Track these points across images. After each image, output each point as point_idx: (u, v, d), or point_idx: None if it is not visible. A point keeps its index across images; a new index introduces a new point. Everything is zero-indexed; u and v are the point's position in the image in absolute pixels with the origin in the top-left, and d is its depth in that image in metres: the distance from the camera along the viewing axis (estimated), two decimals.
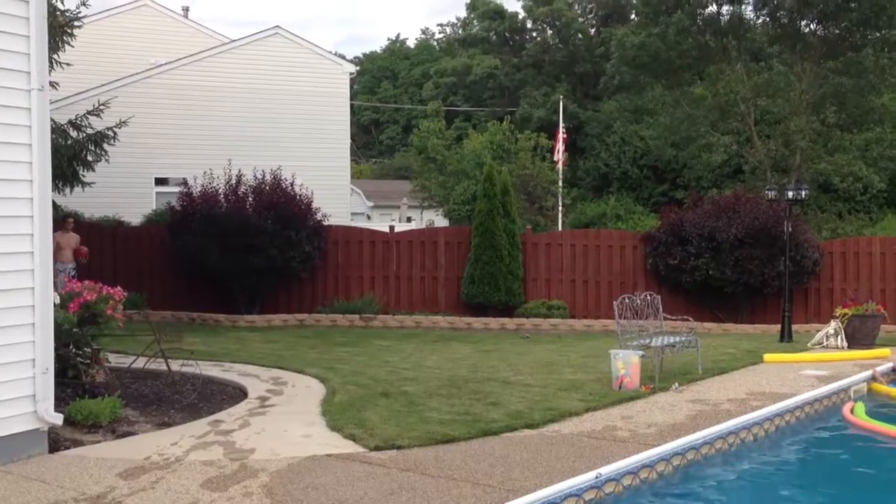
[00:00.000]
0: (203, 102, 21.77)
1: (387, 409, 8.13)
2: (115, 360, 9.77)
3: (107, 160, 16.78)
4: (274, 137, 21.90)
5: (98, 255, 17.30)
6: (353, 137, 29.79)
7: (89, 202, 18.30)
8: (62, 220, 15.18)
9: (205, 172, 16.88)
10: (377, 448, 6.74)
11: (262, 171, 17.03)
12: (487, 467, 6.24)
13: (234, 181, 16.77)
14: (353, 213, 27.63)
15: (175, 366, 9.51)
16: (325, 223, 17.39)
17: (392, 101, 69.14)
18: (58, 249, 14.52)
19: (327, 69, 23.64)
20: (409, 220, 39.93)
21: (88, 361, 8.39)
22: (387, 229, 18.65)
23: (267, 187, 16.75)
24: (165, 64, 22.19)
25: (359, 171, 53.28)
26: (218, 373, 10.11)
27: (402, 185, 44.64)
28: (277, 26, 23.54)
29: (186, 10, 28.37)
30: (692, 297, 16.82)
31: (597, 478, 5.77)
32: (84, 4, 16.18)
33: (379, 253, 17.82)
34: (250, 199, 16.57)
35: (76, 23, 16.10)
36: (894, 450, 7.71)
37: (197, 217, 16.20)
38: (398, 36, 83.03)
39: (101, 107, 16.48)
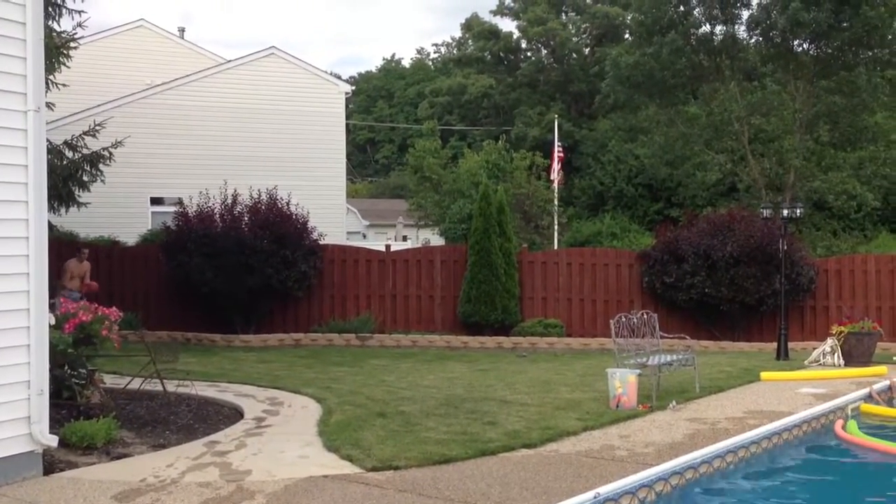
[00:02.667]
0: (199, 122, 21.83)
1: (384, 430, 8.09)
2: (110, 380, 9.74)
3: (102, 180, 16.80)
4: (270, 157, 21.95)
5: (94, 275, 17.25)
6: (348, 156, 29.89)
7: (85, 222, 18.29)
8: (77, 249, 15.33)
9: (200, 192, 16.89)
10: (374, 469, 6.70)
11: (258, 190, 17.04)
12: (485, 487, 6.21)
13: (229, 201, 16.78)
14: (348, 232, 27.67)
15: (170, 386, 9.48)
16: (321, 242, 17.39)
17: (387, 120, 69.41)
18: (69, 277, 14.77)
19: (323, 89, 23.74)
20: (404, 238, 39.96)
21: (83, 382, 8.36)
22: (383, 248, 18.66)
23: (263, 207, 16.76)
24: (161, 84, 22.26)
25: (354, 189, 53.40)
26: (214, 393, 10.07)
27: (397, 204, 44.71)
28: (273, 47, 23.67)
29: (182, 30, 28.52)
30: (688, 315, 16.83)
31: (595, 497, 5.74)
32: (80, 26, 16.24)
33: (375, 272, 17.81)
34: (246, 218, 16.57)
35: (72, 44, 16.17)
36: (887, 465, 7.70)
37: (192, 237, 16.19)
38: (393, 56, 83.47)
39: (97, 127, 16.51)
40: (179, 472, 6.61)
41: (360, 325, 16.86)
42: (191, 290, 16.50)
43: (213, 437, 7.90)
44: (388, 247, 18.89)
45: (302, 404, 9.55)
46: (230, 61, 24.06)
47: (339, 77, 39.20)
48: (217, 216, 16.59)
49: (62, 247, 16.53)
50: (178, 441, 7.78)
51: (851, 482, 7.48)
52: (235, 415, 9.00)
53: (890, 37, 27.06)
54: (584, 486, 6.12)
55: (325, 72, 26.38)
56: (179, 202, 17.06)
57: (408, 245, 31.98)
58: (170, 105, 21.75)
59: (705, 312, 16.73)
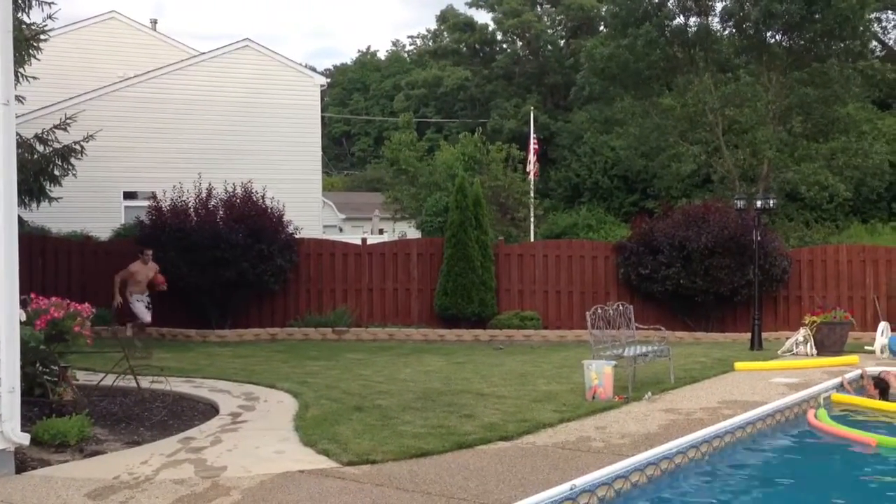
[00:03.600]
0: (172, 116, 21.62)
1: (360, 424, 8.07)
2: (83, 377, 9.62)
3: (74, 174, 16.59)
4: (244, 150, 21.79)
5: (65, 270, 17.08)
6: (324, 149, 29.72)
7: (57, 217, 18.07)
8: (140, 251, 15.23)
9: (174, 186, 16.74)
10: (351, 463, 6.68)
11: (233, 184, 16.91)
12: (462, 480, 6.22)
13: (204, 194, 16.64)
14: (324, 226, 27.56)
15: (144, 383, 9.39)
16: (297, 236, 17.30)
17: (363, 112, 69.16)
18: (135, 281, 14.84)
19: (298, 81, 23.59)
20: (381, 232, 39.89)
21: (56, 379, 8.25)
22: (359, 242, 18.60)
23: (238, 200, 16.64)
24: (133, 77, 22.01)
25: (330, 183, 53.14)
26: (188, 389, 9.99)
27: (373, 197, 44.58)
28: (247, 39, 23.47)
29: (155, 22, 28.19)
30: (664, 306, 16.96)
31: (571, 489, 5.76)
32: (51, 18, 16.01)
33: (351, 265, 17.76)
34: (221, 212, 16.45)
35: (42, 36, 15.94)
36: (857, 453, 7.81)
37: (166, 231, 16.05)
38: (369, 48, 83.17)
39: (68, 120, 16.30)
40: (154, 468, 6.55)
41: (337, 318, 16.81)
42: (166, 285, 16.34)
43: (187, 433, 7.83)
44: (364, 240, 18.84)
45: (278, 399, 9.51)
46: (204, 53, 23.83)
47: (314, 69, 38.91)
48: (191, 210, 16.46)
49: (34, 242, 16.35)
50: (153, 438, 7.71)
51: (822, 470, 7.58)
52: (211, 410, 8.94)
53: (861, 28, 27.36)
54: (560, 477, 6.14)
55: (300, 64, 26.23)
56: (153, 196, 16.90)
57: (384, 238, 31.92)
58: (142, 98, 21.51)
59: (680, 303, 16.87)
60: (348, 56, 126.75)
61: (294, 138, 22.85)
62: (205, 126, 21.77)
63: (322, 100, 25.82)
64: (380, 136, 60.89)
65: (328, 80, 29.52)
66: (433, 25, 68.92)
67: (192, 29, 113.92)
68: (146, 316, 15.13)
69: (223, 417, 8.52)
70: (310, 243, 17.85)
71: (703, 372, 11.17)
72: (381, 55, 79.85)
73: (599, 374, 9.23)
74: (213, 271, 15.87)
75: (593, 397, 9.18)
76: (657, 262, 16.63)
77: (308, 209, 22.06)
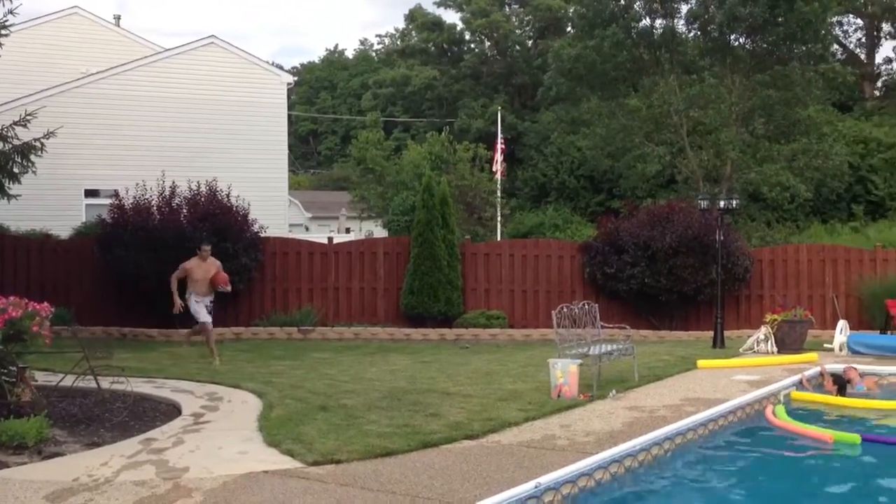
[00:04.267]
0: (136, 113, 21.33)
1: (325, 423, 8.03)
2: (42, 378, 9.47)
3: (34, 172, 16.26)
4: (210, 148, 21.58)
5: (24, 269, 16.78)
6: (290, 148, 29.55)
7: (17, 215, 17.75)
8: (197, 247, 13.34)
9: (137, 184, 16.52)
10: (315, 463, 6.64)
11: (198, 182, 16.73)
12: (427, 480, 6.21)
13: (167, 193, 16.44)
14: (291, 225, 27.38)
15: (105, 383, 9.23)
16: (263, 235, 17.16)
17: (330, 111, 68.86)
18: (190, 280, 12.88)
19: (264, 79, 23.41)
20: (347, 231, 39.76)
21: (13, 380, 8.10)
22: (325, 240, 18.50)
23: (202, 199, 16.46)
24: (96, 73, 21.69)
25: (297, 181, 52.85)
26: (150, 389, 9.86)
27: (340, 196, 44.45)
28: (213, 36, 23.23)
29: (118, 18, 27.81)
30: (629, 305, 17.09)
31: (536, 487, 5.78)
32: (11, 13, 15.67)
33: (317, 264, 17.66)
34: (185, 210, 16.26)
35: (3, 31, 15.59)
36: (814, 449, 7.95)
37: (129, 229, 15.82)
38: (336, 47, 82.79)
39: (28, 117, 15.94)
40: (114, 470, 6.45)
41: (303, 318, 16.71)
42: (127, 285, 16.13)
43: (149, 434, 7.74)
44: (330, 239, 18.73)
45: (242, 399, 9.42)
46: (168, 50, 23.55)
47: (280, 67, 38.71)
48: (155, 209, 16.25)
49: None
50: (113, 439, 7.60)
51: (779, 466, 7.69)
52: (173, 411, 8.83)
53: (823, 32, 27.86)
54: (525, 476, 6.16)
55: (267, 62, 26.02)
56: (115, 194, 16.65)
57: (351, 237, 31.83)
58: (105, 95, 21.20)
59: (645, 302, 17.02)
60: (316, 54, 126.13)
61: (260, 136, 22.67)
62: (169, 123, 21.51)
63: (289, 98, 25.67)
64: (347, 134, 60.70)
65: (295, 78, 29.30)
66: (401, 24, 68.97)
67: (156, 25, 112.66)
68: (202, 315, 13.02)
69: (186, 418, 8.42)
70: (275, 242, 17.71)
71: (667, 370, 11.28)
72: (349, 54, 79.68)
73: (565, 372, 9.28)
74: (176, 270, 15.64)
75: (559, 396, 9.22)
76: (622, 262, 16.75)
77: (274, 208, 21.91)
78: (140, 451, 7.04)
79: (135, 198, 16.34)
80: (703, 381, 10.55)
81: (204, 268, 12.97)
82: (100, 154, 20.73)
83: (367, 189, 30.94)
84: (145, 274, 15.63)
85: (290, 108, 30.09)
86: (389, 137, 44.57)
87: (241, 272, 16.44)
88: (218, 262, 13.21)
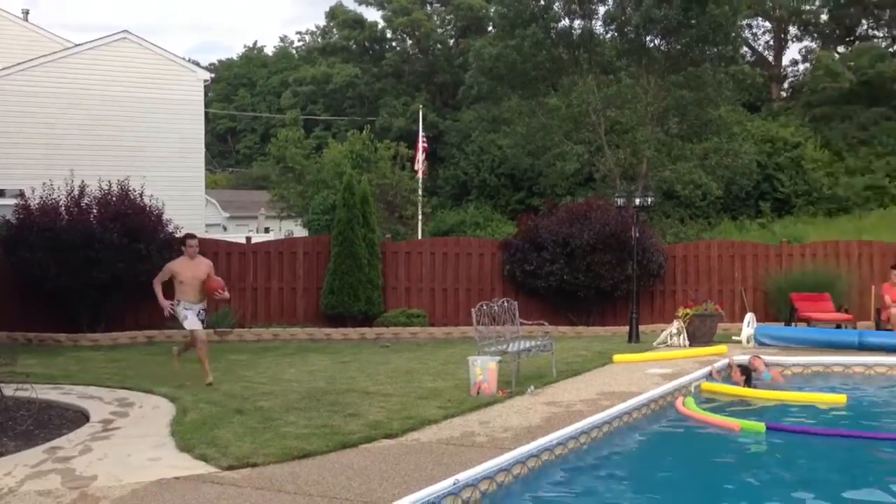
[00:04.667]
0: (44, 110, 20.53)
1: (241, 426, 7.87)
2: None
3: None
4: (122, 146, 20.93)
5: None
6: (208, 146, 28.89)
7: None
8: (182, 244, 10.79)
9: (44, 184, 15.91)
10: (230, 467, 6.50)
11: (109, 181, 16.21)
12: (345, 480, 6.15)
13: (76, 192, 15.88)
14: (208, 225, 26.78)
15: (8, 391, 8.85)
16: (178, 235, 16.74)
17: (249, 109, 67.69)
18: (177, 283, 10.42)
19: (180, 76, 22.81)
20: (266, 230, 39.18)
21: None
22: (243, 240, 18.18)
23: (113, 198, 15.96)
24: (2, 69, 20.76)
25: (214, 181, 51.82)
26: (57, 396, 9.50)
27: (259, 196, 43.75)
28: (125, 31, 22.52)
29: (26, 13, 26.65)
30: (547, 301, 17.32)
31: (454, 484, 5.79)
32: None
33: (235, 265, 17.33)
34: (95, 211, 15.74)
35: None
36: (722, 437, 8.20)
37: (35, 230, 15.22)
38: (255, 43, 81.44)
39: None
40: (17, 480, 6.19)
41: (219, 319, 16.36)
42: (33, 288, 15.52)
43: (55, 442, 7.44)
44: (248, 239, 18.41)
45: (154, 404, 9.16)
46: (79, 45, 22.70)
47: (197, 64, 37.82)
48: (62, 209, 15.68)
49: None
50: (17, 448, 7.28)
51: (689, 455, 7.91)
52: (80, 418, 8.52)
53: (733, 34, 28.84)
54: (444, 473, 6.16)
55: (183, 58, 25.36)
56: (21, 195, 15.99)
57: (270, 237, 31.37)
58: (11, 91, 20.32)
59: (563, 299, 17.27)
60: (234, 51, 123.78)
61: (175, 134, 22.09)
62: (80, 121, 20.77)
63: (206, 95, 25.07)
64: (266, 133, 59.78)
65: (212, 75, 28.67)
66: (322, 22, 68.27)
67: (67, 20, 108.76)
68: (192, 323, 10.53)
69: (94, 425, 8.14)
70: None
71: (584, 365, 11.47)
72: (269, 51, 78.47)
73: (484, 369, 9.33)
74: (85, 272, 15.16)
75: (478, 392, 9.27)
76: (541, 259, 16.97)
77: (190, 207, 21.38)
78: (45, 461, 6.78)
79: (41, 198, 15.73)
80: (618, 375, 10.76)
81: (193, 268, 10.51)
82: (5, 152, 19.87)
83: (286, 188, 30.55)
84: (52, 276, 15.08)
85: (207, 105, 29.41)
86: (310, 136, 44.13)
87: (155, 274, 15.98)
88: (208, 262, 10.82)
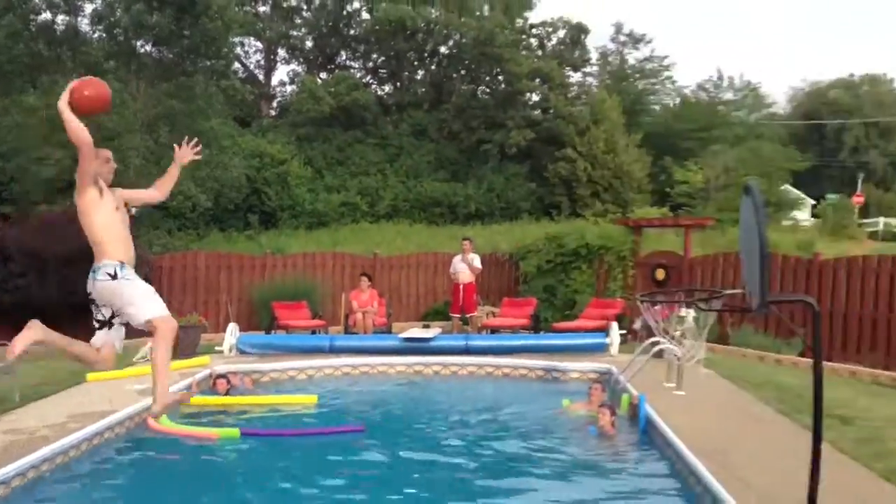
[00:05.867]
0: None
1: None
2: None
3: None
4: None
5: None
6: None
7: None
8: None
9: None
10: None
11: None
12: None
13: None
14: None
15: None
16: None
17: None
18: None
19: None
20: None
21: None
22: None
23: None
24: None
25: None
26: None
27: None
28: None
29: None
30: (14, 318, 15.70)
31: None
32: None
33: None
34: None
35: None
36: (204, 447, 8.45)
37: None
38: None
39: None
40: None
41: None
42: None
43: None
44: None
45: None
46: None
47: None
48: None
49: None
50: None
51: (170, 469, 7.93)
52: None
53: (226, 50, 29.49)
54: None
55: None
56: None
57: None
58: None
59: (34, 314, 15.83)
60: None
61: None
62: None
63: None
64: None
65: None
66: None
67: None
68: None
69: None
70: None
71: (53, 387, 10.71)
72: None
73: None
74: None
75: None
76: (7, 271, 15.38)
77: None
78: None
79: None
80: (93, 394, 10.28)
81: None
82: None
83: None
84: None
85: None
86: None
87: None
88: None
